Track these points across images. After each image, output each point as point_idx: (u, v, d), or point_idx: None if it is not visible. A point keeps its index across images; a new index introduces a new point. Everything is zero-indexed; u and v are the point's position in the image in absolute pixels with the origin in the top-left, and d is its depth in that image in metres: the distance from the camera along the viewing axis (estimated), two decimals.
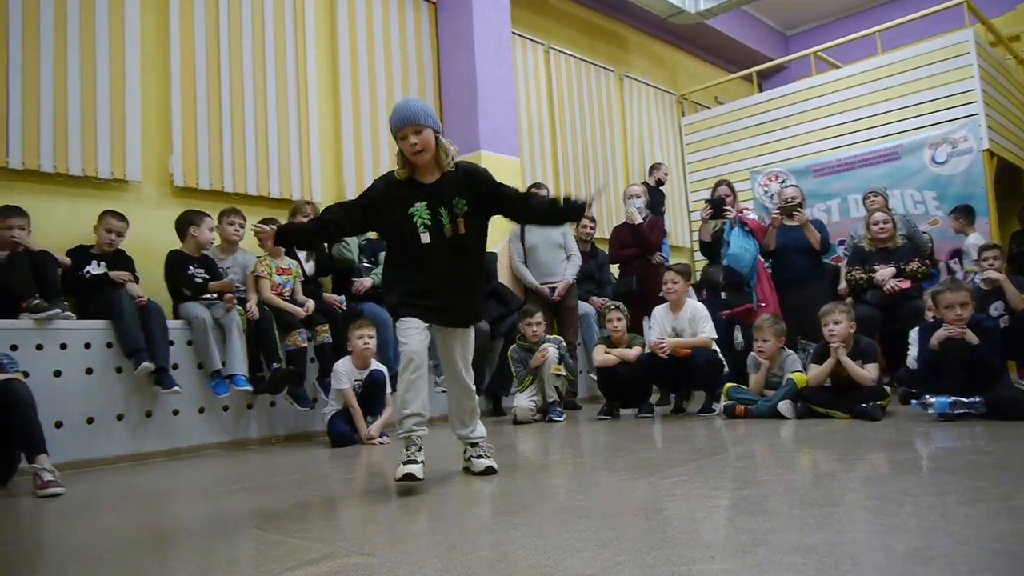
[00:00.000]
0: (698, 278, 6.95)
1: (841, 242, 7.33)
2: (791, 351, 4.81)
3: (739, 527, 1.84)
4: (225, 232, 4.91)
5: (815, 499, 2.15)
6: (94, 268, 4.37)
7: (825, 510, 1.98)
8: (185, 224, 4.74)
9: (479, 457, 2.99)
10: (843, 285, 5.98)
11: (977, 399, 3.69)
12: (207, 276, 4.68)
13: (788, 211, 6.01)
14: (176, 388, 4.24)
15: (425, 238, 2.78)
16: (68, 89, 4.67)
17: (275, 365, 4.63)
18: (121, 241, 4.53)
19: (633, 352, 5.09)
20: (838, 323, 4.27)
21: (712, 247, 6.18)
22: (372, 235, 5.54)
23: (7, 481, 3.51)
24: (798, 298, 5.78)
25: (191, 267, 4.65)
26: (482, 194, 2.87)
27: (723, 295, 5.89)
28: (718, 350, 5.03)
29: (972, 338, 3.79)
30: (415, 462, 2.68)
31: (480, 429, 3.04)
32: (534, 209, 3.00)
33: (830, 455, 3.04)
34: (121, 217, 4.54)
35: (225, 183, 5.32)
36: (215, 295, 4.63)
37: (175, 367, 4.37)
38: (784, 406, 4.33)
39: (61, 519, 2.69)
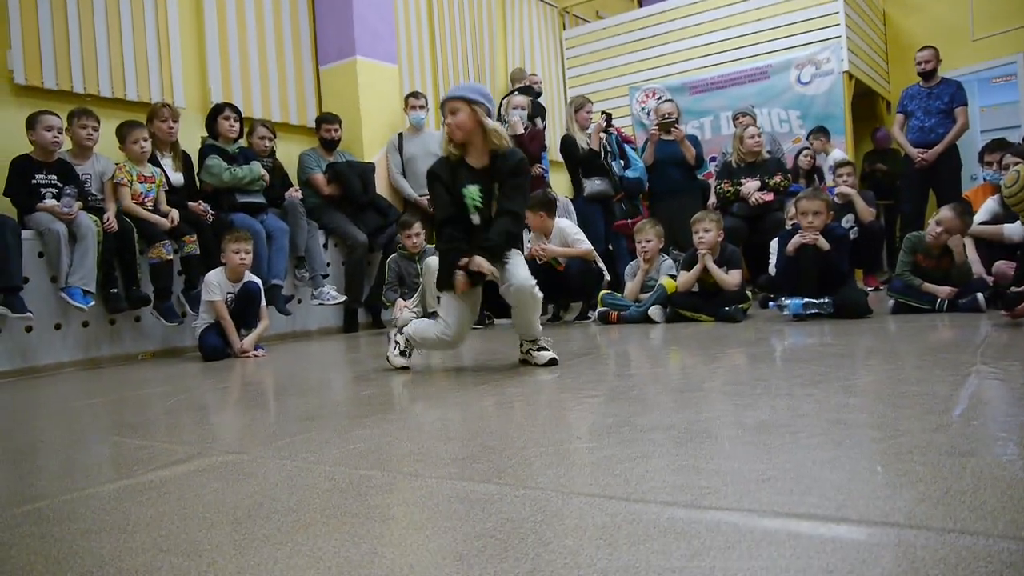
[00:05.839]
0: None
1: (713, 159, 7.58)
2: (666, 256, 4.98)
3: (606, 413, 1.93)
4: (77, 136, 4.47)
5: (679, 386, 2.28)
6: None
7: (686, 395, 2.10)
8: (27, 127, 4.32)
9: (540, 350, 3.06)
10: (712, 199, 6.21)
11: (826, 300, 3.97)
12: (60, 184, 4.31)
13: (666, 127, 6.15)
14: (28, 314, 3.95)
15: (475, 219, 2.95)
16: None
17: (133, 288, 4.41)
18: None
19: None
20: (708, 231, 4.45)
21: (592, 161, 6.24)
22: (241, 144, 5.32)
23: None
24: (672, 208, 5.97)
25: (38, 174, 4.27)
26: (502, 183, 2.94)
27: (623, 206, 6.12)
28: (598, 260, 5.12)
29: (824, 244, 4.05)
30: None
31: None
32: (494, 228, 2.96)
33: (695, 352, 3.21)
34: None
35: (74, 83, 4.88)
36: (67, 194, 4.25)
37: (26, 281, 4.06)
38: (655, 311, 4.52)
39: None
